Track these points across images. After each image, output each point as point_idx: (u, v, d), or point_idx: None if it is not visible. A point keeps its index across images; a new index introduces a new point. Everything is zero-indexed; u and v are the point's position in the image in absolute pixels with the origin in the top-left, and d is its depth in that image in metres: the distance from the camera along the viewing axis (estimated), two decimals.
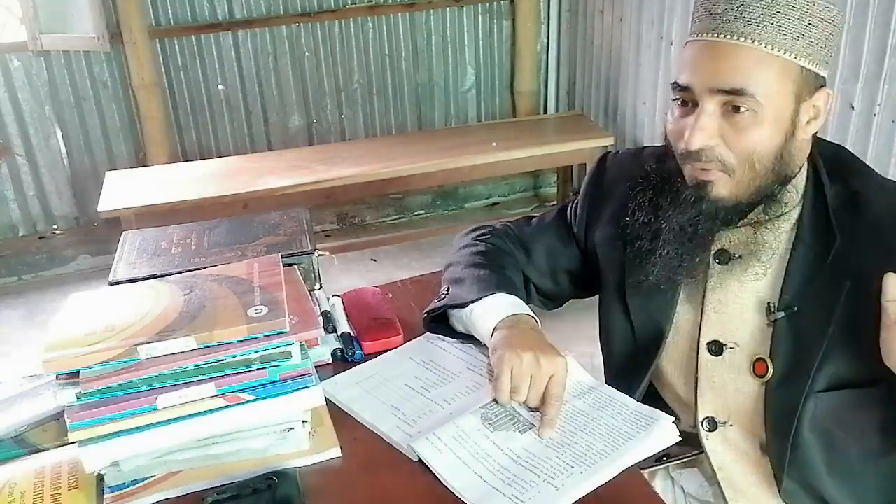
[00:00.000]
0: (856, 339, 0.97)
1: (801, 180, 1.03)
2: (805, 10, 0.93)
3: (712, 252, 1.06)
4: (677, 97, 1.01)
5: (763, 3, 0.93)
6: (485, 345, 1.11)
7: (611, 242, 1.16)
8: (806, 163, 1.03)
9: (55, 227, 3.60)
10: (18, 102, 3.36)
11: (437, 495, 0.90)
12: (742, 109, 0.95)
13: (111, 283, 1.13)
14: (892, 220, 0.98)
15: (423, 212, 4.07)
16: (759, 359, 1.05)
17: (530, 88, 3.90)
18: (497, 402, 1.02)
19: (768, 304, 1.04)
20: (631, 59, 3.31)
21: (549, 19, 3.84)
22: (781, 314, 1.02)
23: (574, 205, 1.26)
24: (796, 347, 1.01)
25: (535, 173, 4.10)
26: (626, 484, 0.90)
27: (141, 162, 3.52)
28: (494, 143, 3.25)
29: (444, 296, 1.18)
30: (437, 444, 0.95)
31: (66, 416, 0.86)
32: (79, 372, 0.87)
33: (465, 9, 3.74)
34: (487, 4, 3.76)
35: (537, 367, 1.00)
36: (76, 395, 0.86)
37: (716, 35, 0.95)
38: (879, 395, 0.99)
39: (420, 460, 0.94)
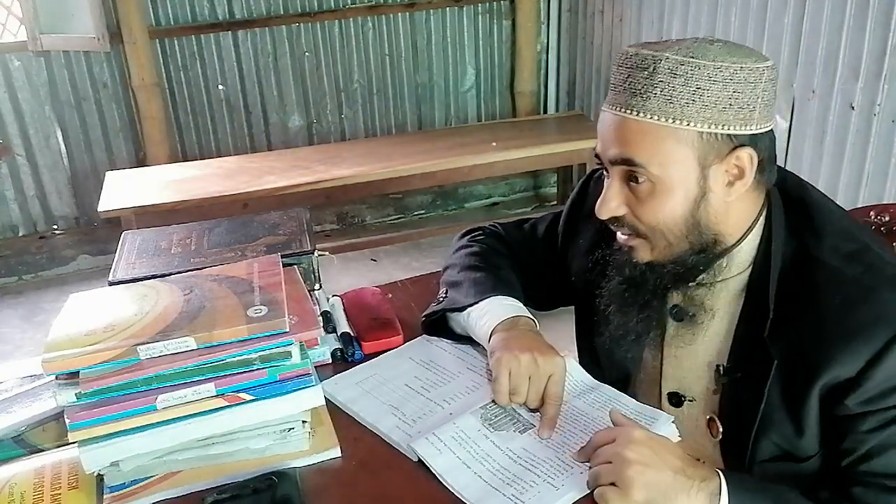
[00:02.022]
0: (789, 415, 0.96)
1: (753, 240, 0.99)
2: (690, 75, 0.89)
3: (668, 307, 1.05)
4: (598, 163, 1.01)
5: (645, 73, 0.90)
6: (484, 347, 1.11)
7: (582, 277, 1.14)
8: (761, 218, 0.99)
9: (55, 227, 3.60)
10: (18, 102, 3.36)
11: (437, 495, 0.90)
12: (640, 179, 0.94)
13: (111, 283, 1.13)
14: (832, 303, 0.92)
15: (423, 212, 4.07)
16: (712, 418, 1.04)
17: (530, 88, 3.90)
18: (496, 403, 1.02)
19: (718, 365, 1.03)
20: None
21: (549, 19, 3.83)
22: (726, 378, 1.01)
23: (560, 222, 1.25)
24: (739, 414, 1.00)
25: (534, 173, 4.09)
26: None
27: (141, 162, 3.52)
28: (494, 143, 3.25)
29: (441, 299, 1.18)
30: (437, 444, 0.95)
31: (65, 417, 0.86)
32: (79, 372, 0.87)
33: (465, 9, 3.74)
34: (487, 4, 3.76)
35: (535, 367, 1.00)
36: (76, 395, 0.86)
37: (609, 107, 0.95)
38: (817, 468, 0.97)
39: (420, 460, 0.94)
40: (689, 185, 0.94)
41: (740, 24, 2.61)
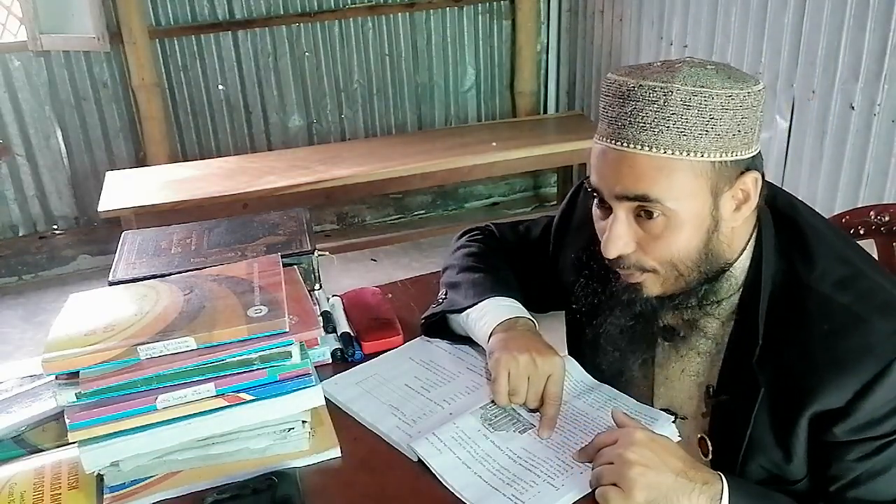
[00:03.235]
0: (777, 441, 0.95)
1: (743, 263, 0.98)
2: (703, 105, 0.86)
3: (659, 327, 1.04)
4: (594, 196, 0.97)
5: (656, 105, 0.86)
6: (484, 348, 1.11)
7: (571, 290, 1.11)
8: (752, 241, 0.98)
9: (55, 227, 3.60)
10: (18, 102, 3.36)
11: (437, 495, 0.90)
12: (654, 215, 0.90)
13: (111, 283, 1.13)
14: (819, 332, 0.91)
15: (423, 212, 4.07)
16: (703, 437, 1.04)
17: (530, 88, 3.90)
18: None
19: (708, 386, 1.02)
20: (631, 59, 3.31)
21: (549, 19, 3.83)
22: (715, 400, 1.01)
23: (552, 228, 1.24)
24: (727, 436, 0.99)
25: (535, 173, 4.09)
26: None
27: (141, 162, 3.52)
28: (494, 143, 3.25)
29: (441, 301, 1.18)
30: (437, 444, 0.95)
31: (65, 417, 0.86)
32: (79, 372, 0.87)
33: (465, 9, 3.74)
34: (487, 4, 3.76)
35: (534, 367, 1.00)
36: (76, 395, 0.86)
37: (613, 141, 0.90)
38: (806, 489, 0.97)
39: (420, 460, 0.94)
40: (702, 215, 0.91)
41: (740, 24, 2.61)
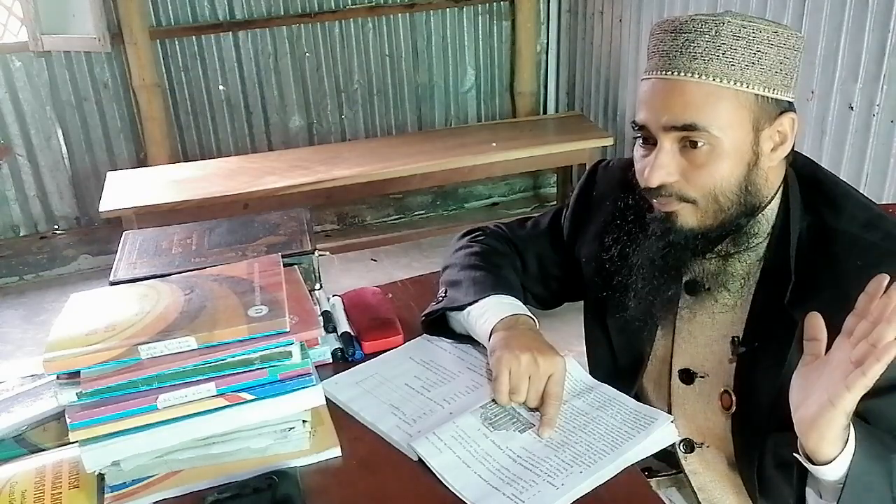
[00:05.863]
0: None
1: (771, 210, 1.01)
2: (751, 38, 0.92)
3: (682, 282, 1.06)
4: (638, 135, 1.00)
5: (707, 36, 0.92)
6: (484, 345, 1.11)
7: (593, 262, 1.15)
8: (779, 191, 1.01)
9: (56, 227, 3.61)
10: (20, 103, 3.36)
11: (437, 495, 0.90)
12: (699, 144, 0.94)
13: (112, 283, 1.13)
14: (853, 267, 0.93)
15: (423, 212, 4.07)
16: (725, 391, 1.04)
17: (530, 89, 3.90)
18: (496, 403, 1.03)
19: (733, 337, 1.03)
20: (630, 60, 3.31)
21: (548, 20, 3.84)
22: (744, 349, 1.02)
23: (565, 213, 1.26)
24: (756, 384, 1.00)
25: (534, 173, 4.10)
26: (626, 483, 0.90)
27: (142, 162, 3.52)
28: (494, 144, 3.25)
29: (441, 298, 1.18)
30: (437, 443, 0.96)
31: (66, 416, 0.87)
32: (79, 372, 0.87)
33: (464, 9, 3.74)
34: (487, 5, 3.76)
35: (535, 367, 1.00)
36: (77, 394, 0.87)
37: (664, 73, 0.95)
38: None
39: (420, 459, 0.95)
40: (744, 148, 0.95)
41: None
